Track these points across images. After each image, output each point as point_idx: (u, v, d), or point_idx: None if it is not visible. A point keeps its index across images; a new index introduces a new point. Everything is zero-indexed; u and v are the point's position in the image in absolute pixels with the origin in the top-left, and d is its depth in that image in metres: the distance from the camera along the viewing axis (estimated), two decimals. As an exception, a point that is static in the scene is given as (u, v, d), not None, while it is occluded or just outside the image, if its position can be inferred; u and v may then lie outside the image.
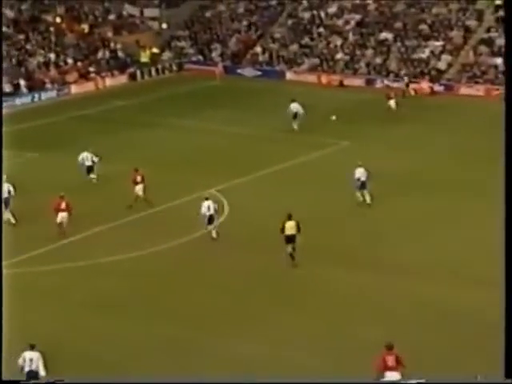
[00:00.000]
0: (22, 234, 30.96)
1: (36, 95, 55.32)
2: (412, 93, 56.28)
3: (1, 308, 20.84)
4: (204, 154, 41.55)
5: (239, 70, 63.52)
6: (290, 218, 28.52)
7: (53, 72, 58.32)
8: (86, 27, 64.94)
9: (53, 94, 56.38)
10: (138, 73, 62.04)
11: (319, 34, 64.74)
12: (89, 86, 58.59)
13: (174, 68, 64.50)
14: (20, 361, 20.60)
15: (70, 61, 60.47)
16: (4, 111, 52.07)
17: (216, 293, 26.45)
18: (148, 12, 69.35)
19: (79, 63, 60.60)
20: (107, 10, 67.78)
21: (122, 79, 61.12)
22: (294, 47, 64.28)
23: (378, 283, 26.78)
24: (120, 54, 63.64)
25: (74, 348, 22.83)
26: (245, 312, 25.09)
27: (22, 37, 60.37)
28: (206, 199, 31.01)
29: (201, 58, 65.71)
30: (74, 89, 57.71)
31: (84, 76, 59.44)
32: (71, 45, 62.23)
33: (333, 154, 41.38)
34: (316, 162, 40.13)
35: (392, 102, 49.67)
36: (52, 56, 59.85)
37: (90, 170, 37.65)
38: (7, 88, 54.57)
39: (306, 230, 28.45)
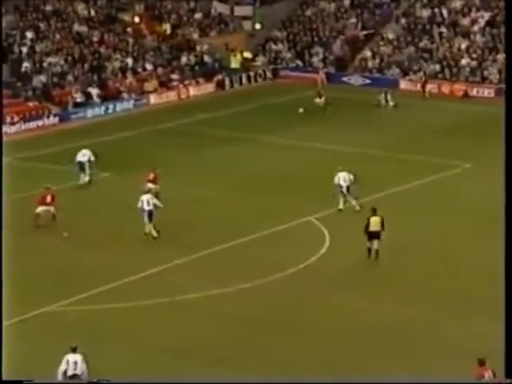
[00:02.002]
0: (89, 266, 32.03)
1: (110, 106, 56.95)
2: (427, 95, 58.24)
3: (1, 309, 24.00)
4: (301, 176, 42.08)
5: (345, 78, 64.12)
6: (374, 212, 31.56)
7: (130, 79, 59.96)
8: (167, 28, 66.57)
9: (129, 104, 57.99)
10: (227, 81, 63.24)
11: (440, 36, 64.80)
12: (170, 96, 60.07)
13: (269, 75, 65.54)
14: (63, 364, 22.15)
15: (149, 67, 62.06)
16: (74, 124, 54.37)
17: (313, 340, 26.69)
18: (239, 10, 70.51)
19: (160, 69, 62.16)
20: (192, 8, 69.30)
21: (209, 88, 62.44)
22: (410, 51, 64.52)
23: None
24: (206, 58, 64.99)
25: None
26: (351, 363, 25.29)
27: (95, 39, 62.30)
28: (146, 193, 34.16)
29: (300, 63, 66.59)
30: (153, 99, 59.24)
31: (165, 84, 60.95)
32: (151, 48, 63.90)
33: (452, 179, 41.40)
34: (432, 187, 40.28)
35: (321, 100, 54.31)
36: (129, 61, 61.50)
37: (82, 167, 40.32)
38: (78, 98, 56.45)
39: (417, 270, 28.55)
